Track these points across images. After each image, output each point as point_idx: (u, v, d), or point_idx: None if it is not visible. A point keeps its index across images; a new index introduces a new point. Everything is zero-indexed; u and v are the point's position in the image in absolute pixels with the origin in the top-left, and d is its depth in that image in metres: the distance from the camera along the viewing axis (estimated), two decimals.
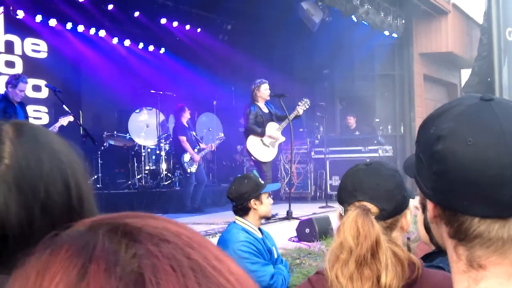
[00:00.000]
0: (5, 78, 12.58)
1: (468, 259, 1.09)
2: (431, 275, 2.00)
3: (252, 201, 4.75)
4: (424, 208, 2.62)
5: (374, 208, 2.03)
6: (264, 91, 10.80)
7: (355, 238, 1.89)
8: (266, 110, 10.94)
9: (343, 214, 2.11)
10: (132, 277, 0.51)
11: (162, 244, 0.54)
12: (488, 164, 1.04)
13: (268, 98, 10.90)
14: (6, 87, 9.45)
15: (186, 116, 12.59)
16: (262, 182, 4.92)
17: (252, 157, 11.09)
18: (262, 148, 10.84)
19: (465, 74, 18.99)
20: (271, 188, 5.00)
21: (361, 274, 1.87)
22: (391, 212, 2.07)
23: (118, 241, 0.54)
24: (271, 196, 5.04)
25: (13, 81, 9.40)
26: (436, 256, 2.48)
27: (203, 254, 0.55)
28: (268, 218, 4.97)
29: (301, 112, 10.97)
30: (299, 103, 11.09)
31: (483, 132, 1.06)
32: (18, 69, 12.85)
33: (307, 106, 11.23)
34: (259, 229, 4.80)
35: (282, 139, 11.07)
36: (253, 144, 10.83)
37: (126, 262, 0.52)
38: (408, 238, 2.25)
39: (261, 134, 10.79)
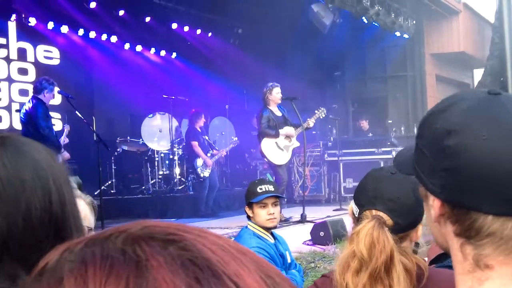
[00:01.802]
0: (18, 85, 12.77)
1: (474, 258, 1.07)
2: (436, 274, 2.02)
3: (246, 208, 4.72)
4: None
5: (389, 221, 2.02)
6: (276, 94, 10.79)
7: (369, 250, 1.89)
8: (279, 114, 10.94)
9: (356, 216, 2.11)
10: (201, 263, 0.50)
11: (205, 234, 0.54)
12: (503, 159, 1.02)
13: (280, 101, 10.89)
14: (41, 92, 9.45)
15: (200, 122, 12.58)
16: (260, 190, 4.61)
17: (266, 160, 11.09)
18: (277, 151, 10.83)
19: (478, 73, 18.92)
20: (258, 199, 4.62)
21: None
22: (404, 227, 2.07)
23: (160, 239, 0.52)
24: (278, 204, 4.75)
25: (50, 86, 9.48)
26: (447, 257, 2.47)
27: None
28: (268, 228, 4.74)
29: (311, 124, 11.01)
30: (316, 111, 11.15)
31: (497, 127, 1.04)
32: (31, 76, 12.92)
33: (323, 115, 11.31)
34: (272, 233, 4.76)
35: (297, 144, 11.05)
36: (268, 147, 10.82)
37: (187, 252, 0.51)
38: (417, 244, 2.23)
39: (275, 136, 10.78)
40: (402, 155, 1.38)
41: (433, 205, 1.12)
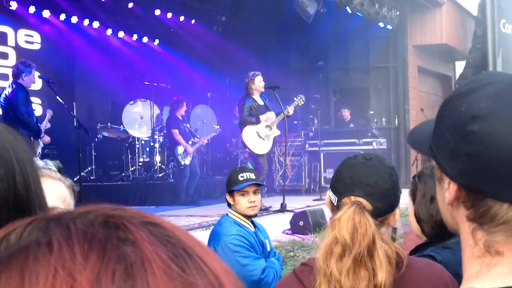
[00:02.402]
0: None
1: (485, 244, 1.06)
2: (415, 262, 2.05)
3: (227, 195, 4.71)
4: (415, 199, 2.63)
5: (368, 205, 2.04)
6: (258, 83, 10.78)
7: (352, 234, 1.91)
8: (261, 102, 10.94)
9: (335, 204, 2.11)
10: (175, 242, 0.52)
11: (169, 222, 0.56)
12: None
13: (263, 90, 10.88)
14: (19, 76, 9.35)
15: (181, 111, 12.53)
16: (241, 178, 4.57)
17: (247, 149, 11.08)
18: (258, 140, 10.83)
19: (460, 66, 18.98)
20: (239, 187, 4.57)
21: (358, 272, 1.90)
22: (383, 211, 2.09)
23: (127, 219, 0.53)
24: (259, 192, 4.70)
25: (27, 69, 9.37)
26: (427, 247, 2.50)
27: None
28: (249, 216, 4.73)
29: (291, 112, 11.03)
30: (295, 98, 11.17)
31: None
32: (12, 60, 12.79)
33: (302, 102, 11.33)
34: (252, 221, 4.75)
35: (278, 132, 11.06)
36: (249, 136, 10.82)
37: (163, 232, 0.52)
38: (394, 229, 2.26)
39: (256, 122, 10.77)
40: (418, 134, 1.35)
41: (448, 189, 1.11)
